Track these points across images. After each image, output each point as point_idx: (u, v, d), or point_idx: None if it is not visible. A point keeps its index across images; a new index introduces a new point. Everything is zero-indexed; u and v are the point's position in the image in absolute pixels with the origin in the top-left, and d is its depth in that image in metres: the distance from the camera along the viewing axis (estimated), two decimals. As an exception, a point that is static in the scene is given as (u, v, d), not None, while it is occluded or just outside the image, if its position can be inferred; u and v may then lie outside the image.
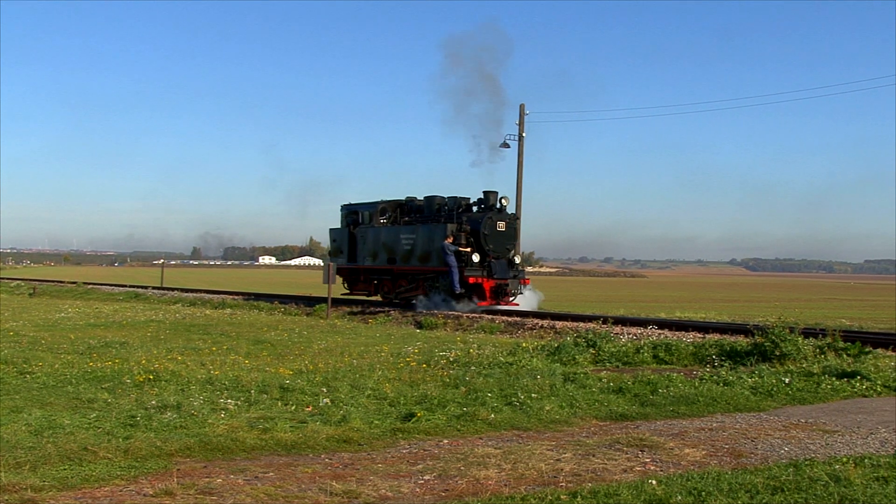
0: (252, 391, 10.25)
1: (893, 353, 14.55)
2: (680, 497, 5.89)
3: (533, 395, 10.27)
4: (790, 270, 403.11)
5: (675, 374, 11.94)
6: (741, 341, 15.30)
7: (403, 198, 32.32)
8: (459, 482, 6.56)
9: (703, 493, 5.96)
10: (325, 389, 10.44)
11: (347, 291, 34.01)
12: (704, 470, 6.80)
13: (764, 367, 12.82)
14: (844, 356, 13.74)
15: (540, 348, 15.34)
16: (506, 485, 6.47)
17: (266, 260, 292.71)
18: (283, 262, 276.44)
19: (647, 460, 7.31)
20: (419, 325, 25.13)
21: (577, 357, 14.27)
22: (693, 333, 19.06)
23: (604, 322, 21.39)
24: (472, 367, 12.51)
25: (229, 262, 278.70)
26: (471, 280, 27.16)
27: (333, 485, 6.39)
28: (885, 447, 7.84)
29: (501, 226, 28.19)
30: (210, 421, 8.62)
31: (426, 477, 6.73)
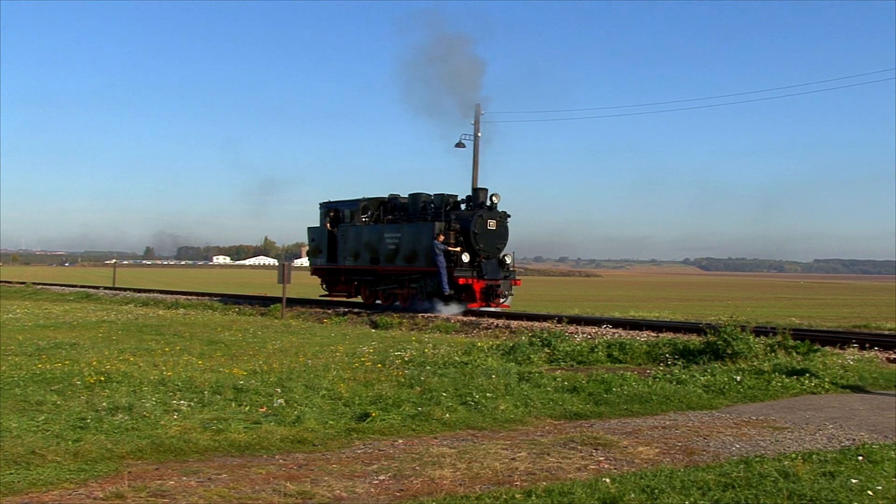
0: (205, 392, 10.14)
1: (841, 351, 14.81)
2: (633, 495, 5.93)
3: (488, 394, 10.29)
4: (742, 270, 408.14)
5: (628, 373, 12.03)
6: (694, 340, 15.45)
7: (386, 195, 31.04)
8: (414, 482, 6.55)
9: (657, 491, 6.00)
10: (279, 390, 10.37)
11: (326, 293, 32.80)
12: (658, 468, 6.86)
13: (716, 365, 12.96)
14: (794, 354, 13.95)
15: (495, 348, 15.38)
16: (461, 484, 6.47)
17: (220, 260, 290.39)
18: (237, 262, 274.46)
19: (602, 459, 7.35)
20: (374, 325, 25.08)
21: (531, 356, 14.32)
22: (647, 332, 19.24)
23: (558, 321, 21.50)
24: (428, 367, 12.50)
25: (183, 262, 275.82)
26: (461, 281, 26.02)
27: (287, 486, 6.35)
28: (832, 443, 7.97)
29: (492, 224, 27.06)
30: (162, 422, 8.52)
31: (381, 477, 6.71)
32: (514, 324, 22.28)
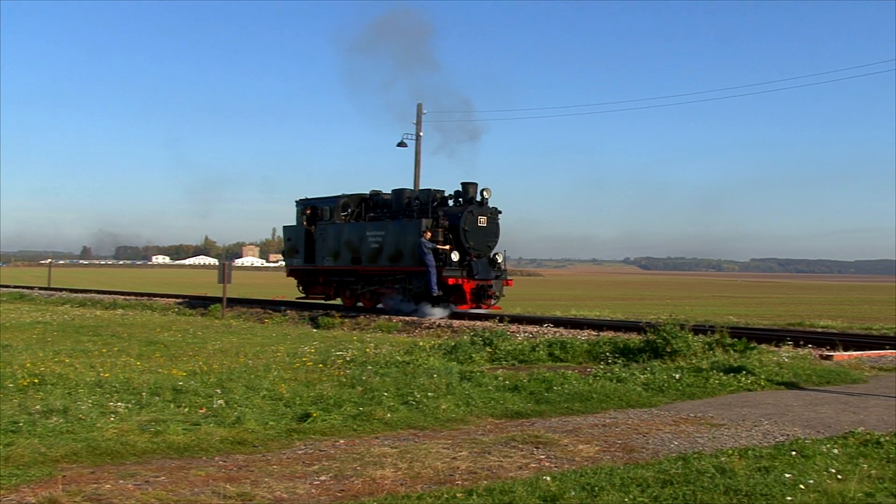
0: (143, 393, 9.99)
1: (776, 349, 15.09)
2: (573, 493, 5.97)
3: (429, 393, 10.29)
4: (681, 269, 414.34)
5: (569, 372, 12.11)
6: (634, 339, 15.63)
7: (367, 191, 29.49)
8: (355, 482, 6.53)
9: (597, 489, 6.06)
10: (219, 391, 10.25)
11: (303, 295, 31.33)
12: (598, 465, 6.92)
13: (656, 363, 13.12)
14: (731, 352, 14.18)
15: (437, 347, 15.39)
16: (402, 484, 6.46)
17: (160, 259, 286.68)
18: (177, 262, 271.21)
19: (542, 457, 7.40)
20: (316, 325, 24.97)
21: (473, 356, 14.36)
22: (588, 331, 19.42)
23: (500, 320, 21.60)
24: (369, 367, 12.47)
25: (121, 262, 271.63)
26: (450, 281, 24.57)
27: (227, 487, 6.29)
28: (768, 439, 8.12)
29: (483, 221, 25.60)
30: (99, 425, 8.37)
31: (322, 477, 6.68)
32: (455, 323, 22.34)
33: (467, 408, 9.85)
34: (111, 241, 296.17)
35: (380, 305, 27.69)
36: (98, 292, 43.44)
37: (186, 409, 9.27)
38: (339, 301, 29.72)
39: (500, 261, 26.07)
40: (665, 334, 14.27)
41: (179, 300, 35.70)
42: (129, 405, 9.33)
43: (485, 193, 25.87)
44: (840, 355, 14.83)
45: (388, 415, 9.24)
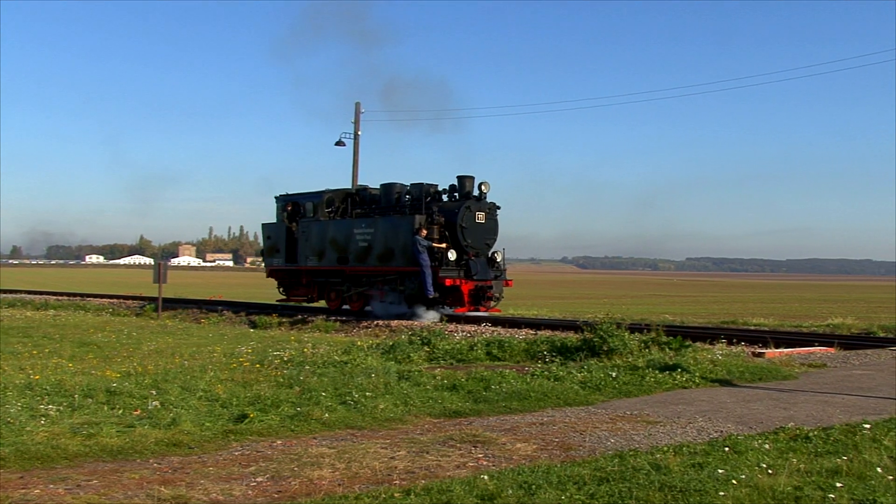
0: (76, 395, 9.78)
1: (711, 347, 15.35)
2: (511, 491, 6.00)
3: (367, 393, 10.25)
4: (619, 268, 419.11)
5: (507, 371, 12.17)
6: (571, 337, 15.77)
7: (353, 187, 28.11)
8: (293, 483, 6.48)
9: (534, 487, 6.09)
10: (154, 392, 10.08)
11: (284, 297, 29.45)
12: (535, 464, 6.95)
13: (593, 361, 13.24)
14: (667, 350, 14.39)
15: (375, 346, 15.38)
16: (340, 484, 6.43)
17: (93, 259, 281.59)
18: (111, 262, 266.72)
19: (480, 456, 7.42)
20: (253, 325, 24.78)
21: (411, 355, 14.36)
22: (525, 330, 19.55)
23: (438, 320, 21.64)
24: (307, 367, 12.38)
25: (53, 262, 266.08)
26: (447, 282, 23.12)
27: (162, 490, 6.20)
28: (702, 435, 8.24)
29: (481, 217, 24.19)
30: (28, 428, 8.18)
31: (259, 479, 6.61)
32: (394, 323, 22.34)
33: (405, 407, 9.84)
34: (44, 240, 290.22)
35: (368, 308, 26.21)
36: (28, 292, 42.59)
37: (120, 411, 9.11)
38: (323, 304, 28.34)
39: (499, 260, 24.87)
40: (602, 333, 14.42)
41: (114, 300, 35.13)
42: (61, 408, 9.14)
43: (482, 188, 24.44)
44: (771, 352, 15.14)
45: (326, 415, 9.19)
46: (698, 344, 15.58)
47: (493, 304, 24.34)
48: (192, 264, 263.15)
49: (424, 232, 23.17)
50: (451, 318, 23.21)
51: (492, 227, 24.59)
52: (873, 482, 6.13)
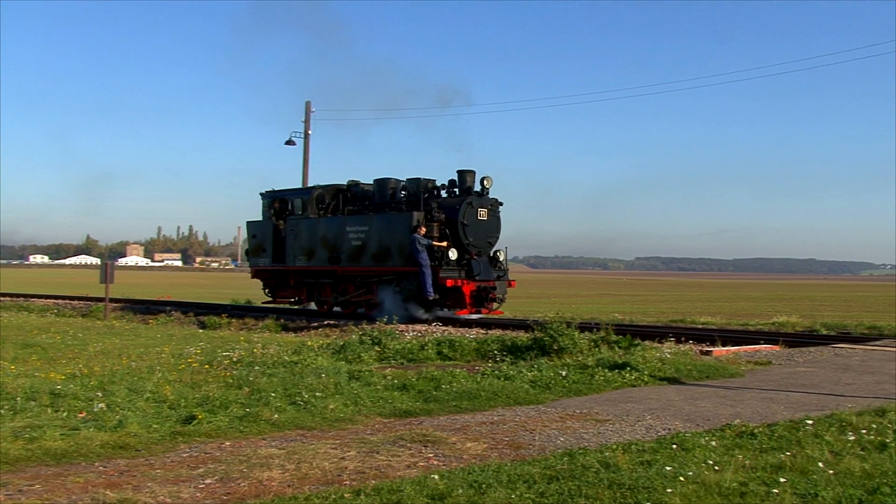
0: (18, 398, 9.59)
1: (659, 345, 15.51)
2: (461, 490, 6.01)
3: (317, 393, 10.20)
4: (569, 267, 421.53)
5: (458, 370, 12.19)
6: (522, 336, 15.84)
7: (345, 182, 26.44)
8: (242, 484, 6.43)
9: (484, 486, 6.10)
10: (100, 394, 9.94)
11: (270, 299, 28.20)
12: (485, 463, 6.97)
13: (543, 360, 13.30)
14: (616, 349, 14.51)
15: (325, 347, 15.31)
16: (289, 485, 6.39)
17: (38, 259, 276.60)
18: (56, 262, 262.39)
19: (431, 455, 7.42)
20: (202, 325, 24.55)
21: (362, 355, 14.32)
22: (476, 330, 19.62)
23: (389, 320, 21.60)
24: (256, 367, 12.30)
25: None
26: (448, 283, 21.80)
27: (107, 493, 6.10)
28: (650, 433, 8.32)
29: (483, 214, 22.90)
30: (-32, 432, 8.02)
31: (207, 481, 6.55)
32: (343, 323, 22.26)
33: (356, 407, 9.81)
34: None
35: (361, 310, 24.93)
36: (-30, 293, 41.71)
37: (65, 414, 8.95)
38: (312, 306, 27.23)
39: (501, 259, 23.71)
40: (552, 332, 14.50)
41: (59, 301, 34.56)
42: (3, 411, 8.96)
43: (485, 182, 23.23)
44: (719, 351, 15.34)
45: (276, 415, 9.13)
46: (647, 343, 15.73)
47: (496, 306, 23.26)
48: (141, 264, 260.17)
49: (423, 230, 22.03)
50: (449, 321, 22.25)
51: (494, 225, 23.46)
52: (815, 476, 6.24)
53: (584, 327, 16.79)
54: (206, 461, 7.22)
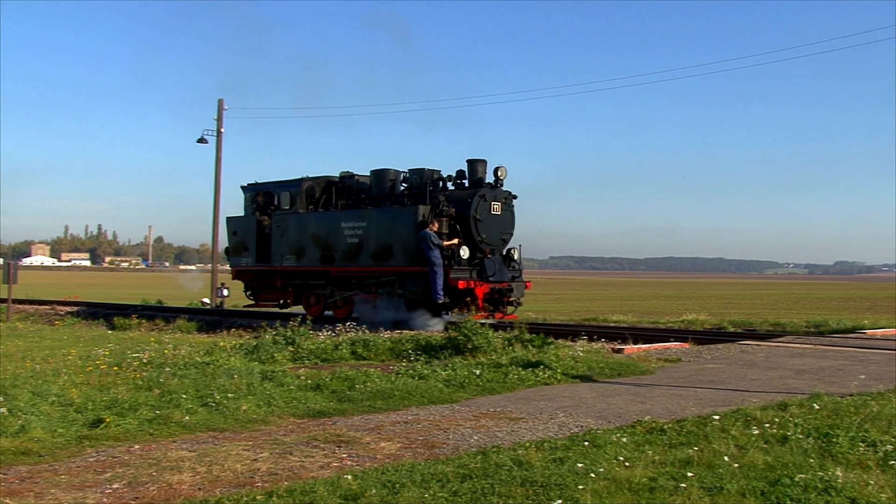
0: (-88, 405, 9.25)
1: (572, 343, 15.68)
2: (375, 490, 5.99)
3: (230, 394, 10.06)
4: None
5: (372, 370, 12.14)
6: (436, 336, 15.87)
7: (336, 174, 24.29)
8: (151, 489, 6.30)
9: (398, 486, 6.09)
10: (1, 398, 9.62)
11: (252, 303, 25.80)
12: (399, 462, 6.96)
13: (457, 360, 13.34)
14: (530, 347, 14.65)
15: (238, 347, 15.10)
16: (200, 488, 6.29)
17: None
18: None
19: (344, 456, 7.38)
20: (111, 327, 23.99)
21: (275, 355, 14.17)
22: (391, 329, 19.54)
23: (303, 321, 21.37)
24: (167, 369, 12.05)
25: None
26: (460, 285, 19.87)
27: (7, 502, 5.91)
28: (563, 430, 8.41)
29: (497, 208, 21.12)
30: None
31: (115, 485, 6.40)
32: (255, 322, 22.01)
33: (269, 408, 9.71)
34: None
35: (356, 315, 22.60)
36: None
37: (-36, 420, 8.65)
38: (300, 308, 24.98)
39: (516, 258, 21.98)
40: (466, 331, 14.57)
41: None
42: None
43: (499, 173, 21.26)
44: (630, 348, 15.59)
45: (187, 417, 8.98)
46: (560, 341, 15.90)
47: (511, 309, 21.33)
48: (47, 264, 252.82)
49: (436, 226, 20.18)
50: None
51: (508, 220, 21.67)
52: (721, 470, 6.39)
53: (497, 326, 16.89)
54: (114, 465, 7.06)
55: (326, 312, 23.84)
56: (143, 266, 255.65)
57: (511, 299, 21.07)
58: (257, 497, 5.88)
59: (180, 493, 6.18)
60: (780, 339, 18.18)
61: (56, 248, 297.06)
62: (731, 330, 22.21)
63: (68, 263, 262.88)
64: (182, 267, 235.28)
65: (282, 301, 25.08)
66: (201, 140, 36.89)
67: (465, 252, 20.25)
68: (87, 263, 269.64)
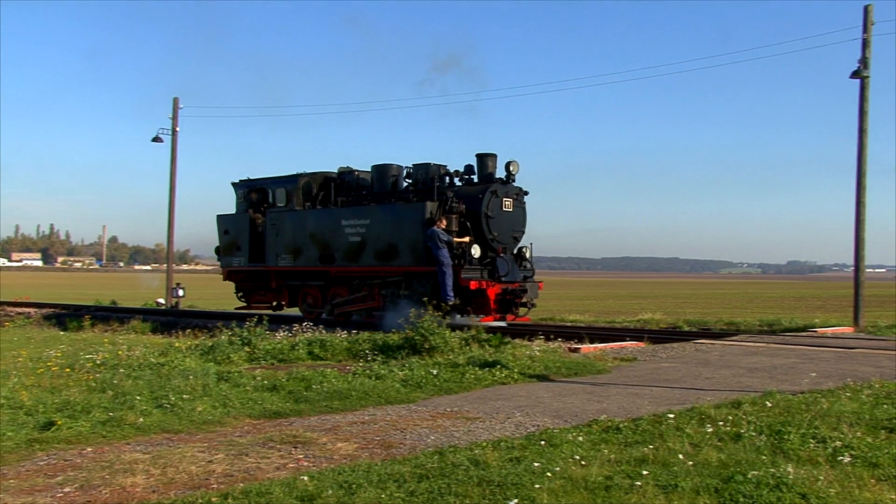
0: None
1: (529, 343, 15.74)
2: (331, 491, 5.96)
3: (185, 396, 9.97)
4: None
5: (329, 370, 12.11)
6: (393, 336, 15.83)
7: (335, 170, 23.17)
8: (103, 492, 6.22)
9: (354, 486, 6.07)
10: (-51, 401, 9.47)
11: (244, 304, 24.72)
12: (356, 463, 6.94)
13: (414, 360, 13.34)
14: (487, 347, 14.69)
15: (194, 348, 14.96)
16: (154, 491, 6.22)
17: None
18: None
19: (301, 456, 7.34)
20: (64, 328, 23.64)
21: (231, 355, 14.08)
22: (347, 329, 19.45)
23: (259, 321, 21.18)
24: (121, 370, 11.92)
25: None
26: (472, 285, 18.98)
27: (-45, 506, 5.82)
28: (520, 430, 8.43)
29: (508, 204, 20.26)
30: None
31: (66, 489, 6.31)
32: (210, 323, 21.82)
33: (224, 409, 9.63)
34: None
35: (356, 318, 21.86)
36: None
37: None
38: (296, 310, 23.99)
39: (527, 256, 21.10)
40: (423, 331, 14.57)
41: None
42: None
43: (511, 168, 20.40)
44: (587, 348, 15.68)
45: (141, 419, 8.88)
46: (517, 341, 15.96)
47: (523, 311, 20.49)
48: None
49: (444, 223, 19.22)
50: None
51: (520, 217, 20.79)
52: (676, 468, 6.45)
53: (454, 326, 16.87)
54: (66, 468, 6.96)
55: (324, 315, 22.52)
56: (98, 266, 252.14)
57: (524, 300, 20.24)
58: (212, 499, 5.83)
59: (133, 495, 6.11)
60: (734, 338, 18.40)
61: (6, 248, 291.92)
62: (687, 329, 22.44)
63: (19, 263, 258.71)
64: (137, 267, 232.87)
65: (275, 303, 24.22)
66: (156, 139, 36.42)
67: (476, 251, 19.47)
68: (39, 263, 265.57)
